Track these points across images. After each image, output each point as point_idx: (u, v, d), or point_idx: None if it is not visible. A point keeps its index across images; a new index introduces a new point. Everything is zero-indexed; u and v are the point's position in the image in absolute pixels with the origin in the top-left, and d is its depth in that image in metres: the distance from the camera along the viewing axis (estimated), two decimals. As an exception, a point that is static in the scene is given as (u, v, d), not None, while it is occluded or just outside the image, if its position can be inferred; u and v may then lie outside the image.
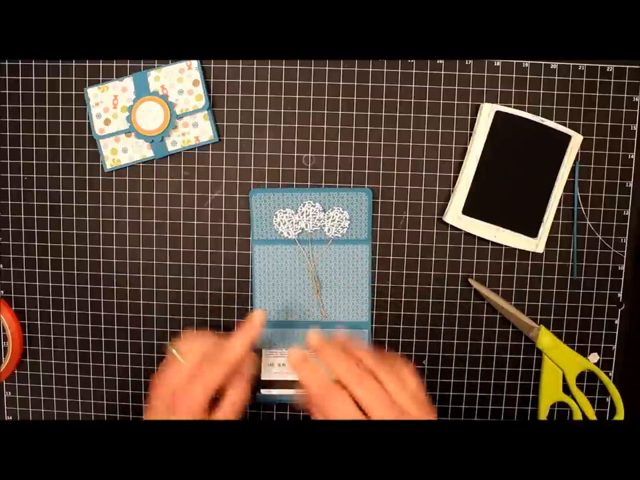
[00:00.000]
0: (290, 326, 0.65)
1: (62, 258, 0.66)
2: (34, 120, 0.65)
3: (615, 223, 0.65)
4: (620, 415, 0.65)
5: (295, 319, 0.65)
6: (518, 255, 0.65)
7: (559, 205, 0.64)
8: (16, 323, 0.67)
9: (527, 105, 0.63)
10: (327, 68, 0.63)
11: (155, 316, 0.66)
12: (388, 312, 0.66)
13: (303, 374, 0.49)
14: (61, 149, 0.65)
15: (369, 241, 0.64)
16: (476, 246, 0.65)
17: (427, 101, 0.63)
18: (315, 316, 0.65)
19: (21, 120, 0.65)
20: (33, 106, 0.65)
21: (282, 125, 0.64)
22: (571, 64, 0.63)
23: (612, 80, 0.63)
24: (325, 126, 0.64)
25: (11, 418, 0.69)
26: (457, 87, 0.63)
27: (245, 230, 0.65)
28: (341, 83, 0.64)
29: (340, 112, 0.64)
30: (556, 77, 0.63)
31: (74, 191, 0.66)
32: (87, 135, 0.65)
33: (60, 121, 0.65)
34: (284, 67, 0.63)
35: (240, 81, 0.64)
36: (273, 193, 0.63)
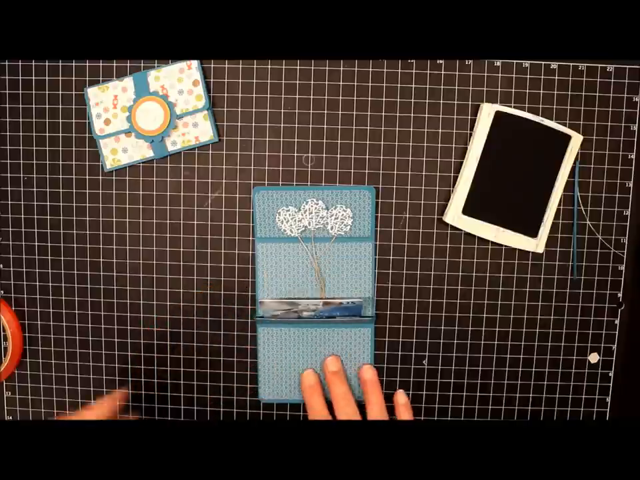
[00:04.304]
0: (293, 324, 0.65)
1: (62, 258, 0.66)
2: (34, 120, 0.65)
3: (614, 223, 0.65)
4: None
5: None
6: (518, 255, 0.65)
7: (559, 204, 0.64)
8: (16, 323, 0.67)
9: (526, 105, 0.63)
10: (326, 68, 0.63)
11: (155, 316, 0.67)
12: (388, 312, 0.66)
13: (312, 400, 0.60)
14: (61, 149, 0.65)
15: (372, 238, 0.64)
16: (476, 246, 0.65)
17: (427, 100, 0.63)
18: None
19: (20, 120, 0.65)
20: (33, 106, 0.65)
21: (282, 125, 0.64)
22: (571, 64, 0.63)
23: (612, 80, 0.63)
24: (325, 126, 0.64)
25: (11, 418, 0.69)
26: (456, 87, 0.63)
27: (245, 230, 0.65)
28: (341, 83, 0.64)
29: (340, 112, 0.64)
30: (556, 77, 0.63)
31: (74, 191, 0.66)
32: (87, 135, 0.65)
33: (60, 121, 0.65)
34: (284, 67, 0.63)
35: (240, 81, 0.64)
36: (276, 190, 0.63)
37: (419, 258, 0.65)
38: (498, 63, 0.63)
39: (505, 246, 0.65)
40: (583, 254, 0.65)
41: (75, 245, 0.66)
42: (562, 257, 0.65)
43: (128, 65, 0.64)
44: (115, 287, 0.66)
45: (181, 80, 0.62)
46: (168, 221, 0.66)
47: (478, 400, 0.67)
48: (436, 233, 0.65)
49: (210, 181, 0.65)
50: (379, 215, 0.65)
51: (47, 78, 0.64)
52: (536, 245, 0.64)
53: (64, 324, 0.67)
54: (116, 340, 0.67)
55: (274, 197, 0.63)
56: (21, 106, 0.65)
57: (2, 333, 0.67)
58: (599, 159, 0.64)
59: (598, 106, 0.64)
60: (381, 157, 0.64)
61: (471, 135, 0.64)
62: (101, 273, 0.66)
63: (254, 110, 0.64)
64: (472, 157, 0.63)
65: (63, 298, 0.67)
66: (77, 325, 0.67)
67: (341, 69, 0.63)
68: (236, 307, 0.66)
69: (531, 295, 0.66)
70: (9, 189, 0.66)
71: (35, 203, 0.66)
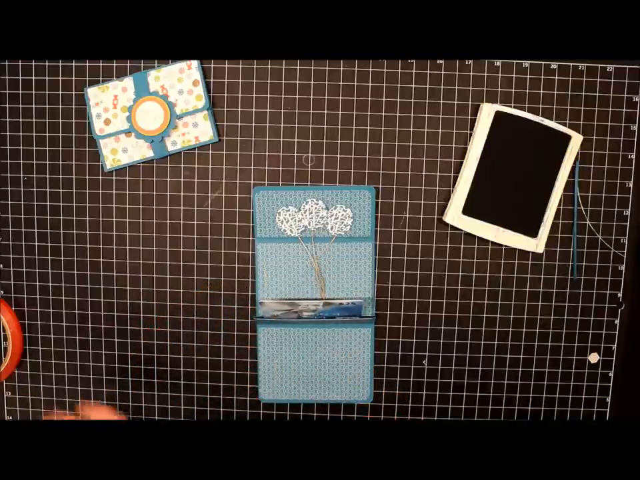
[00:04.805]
0: (293, 324, 0.65)
1: (62, 258, 0.66)
2: (34, 120, 0.65)
3: (614, 223, 0.65)
4: None
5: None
6: (518, 255, 0.65)
7: (559, 204, 0.64)
8: (16, 323, 0.67)
9: (526, 105, 0.63)
10: (326, 68, 0.63)
11: (155, 316, 0.66)
12: (388, 312, 0.66)
13: None
14: (61, 149, 0.65)
15: (372, 238, 0.64)
16: (476, 246, 0.65)
17: (427, 100, 0.63)
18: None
19: (20, 120, 0.65)
20: (33, 106, 0.65)
21: (282, 125, 0.64)
22: (571, 64, 0.63)
23: (612, 80, 0.63)
24: (325, 126, 0.64)
25: (11, 418, 0.69)
26: (456, 87, 0.63)
27: (245, 230, 0.65)
28: (341, 83, 0.64)
29: (340, 112, 0.64)
30: (556, 77, 0.63)
31: (74, 191, 0.66)
32: (87, 135, 0.65)
33: (60, 121, 0.65)
34: (284, 67, 0.63)
35: (240, 81, 0.64)
36: (276, 190, 0.63)
37: (419, 258, 0.65)
38: (498, 62, 0.63)
39: (505, 246, 0.65)
40: (583, 254, 0.65)
41: (75, 245, 0.66)
42: (562, 257, 0.65)
43: (128, 65, 0.64)
44: (114, 287, 0.66)
45: (181, 80, 0.62)
46: (168, 221, 0.66)
47: (478, 400, 0.67)
48: (436, 233, 0.65)
49: (210, 180, 0.65)
50: (379, 214, 0.65)
51: (46, 78, 0.64)
52: (536, 245, 0.64)
53: (64, 324, 0.67)
54: (116, 340, 0.67)
55: (274, 197, 0.63)
56: (21, 106, 0.65)
57: (2, 333, 0.67)
58: (599, 159, 0.64)
59: (598, 106, 0.64)
60: (381, 157, 0.64)
61: (471, 134, 0.64)
62: (101, 273, 0.66)
63: (254, 110, 0.64)
64: (472, 156, 0.63)
65: (63, 298, 0.67)
66: (76, 325, 0.67)
67: (341, 69, 0.63)
68: (236, 307, 0.66)
69: (530, 294, 0.66)
70: (9, 189, 0.66)
71: (35, 203, 0.66)
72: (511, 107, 0.63)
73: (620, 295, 0.66)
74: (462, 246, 0.65)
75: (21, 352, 0.67)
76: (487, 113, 0.62)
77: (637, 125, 0.64)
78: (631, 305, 0.66)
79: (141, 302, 0.66)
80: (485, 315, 0.66)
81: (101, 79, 0.64)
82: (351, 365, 0.66)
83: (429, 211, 0.65)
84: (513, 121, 0.62)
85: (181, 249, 0.66)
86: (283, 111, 0.64)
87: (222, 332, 0.66)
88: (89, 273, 0.66)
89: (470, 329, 0.66)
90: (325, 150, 0.64)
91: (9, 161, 0.66)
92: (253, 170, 0.65)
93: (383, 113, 0.64)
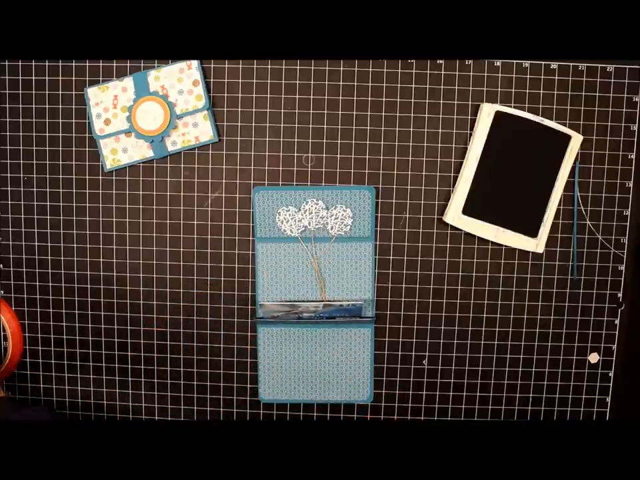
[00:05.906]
0: (293, 324, 0.65)
1: (62, 258, 0.66)
2: (34, 120, 0.65)
3: (614, 223, 0.65)
4: None
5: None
6: (518, 255, 0.65)
7: (559, 204, 0.64)
8: (16, 323, 0.67)
9: (526, 105, 0.63)
10: (326, 68, 0.63)
11: (154, 316, 0.66)
12: (388, 312, 0.66)
13: None
14: (61, 149, 0.65)
15: (372, 238, 0.64)
16: (476, 246, 0.65)
17: (427, 100, 0.63)
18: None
19: (20, 120, 0.65)
20: (33, 106, 0.65)
21: (282, 125, 0.64)
22: (571, 64, 0.63)
23: (612, 80, 0.63)
24: (325, 126, 0.64)
25: (11, 418, 0.69)
26: (456, 87, 0.63)
27: (245, 230, 0.65)
28: (341, 83, 0.64)
29: (340, 112, 0.64)
30: (556, 77, 0.63)
31: (74, 191, 0.66)
32: (87, 135, 0.65)
33: (60, 121, 0.65)
34: (284, 67, 0.63)
35: (240, 81, 0.64)
36: (276, 190, 0.63)
37: (419, 258, 0.65)
38: (498, 63, 0.63)
39: (505, 246, 0.65)
40: (583, 254, 0.65)
41: (75, 245, 0.66)
42: (562, 257, 0.65)
43: (128, 65, 0.64)
44: (115, 287, 0.66)
45: (181, 80, 0.62)
46: (168, 221, 0.66)
47: (478, 400, 0.67)
48: (436, 233, 0.65)
49: (210, 180, 0.65)
50: (379, 214, 0.65)
51: (46, 78, 0.64)
52: (536, 245, 0.64)
53: (64, 324, 0.67)
54: (116, 340, 0.67)
55: (274, 197, 0.63)
56: (21, 106, 0.65)
57: (2, 333, 0.67)
58: (599, 159, 0.64)
59: (598, 106, 0.64)
60: (381, 157, 0.64)
61: (471, 134, 0.64)
62: (101, 273, 0.66)
63: (254, 110, 0.64)
64: (472, 157, 0.63)
65: (63, 298, 0.67)
66: (77, 325, 0.67)
67: (341, 69, 0.63)
68: (236, 307, 0.66)
69: (530, 294, 0.66)
70: (9, 189, 0.66)
71: (35, 203, 0.66)
72: (511, 107, 0.63)
73: (620, 294, 0.66)
74: (462, 246, 0.65)
75: (20, 352, 0.67)
76: (487, 112, 0.62)
77: (637, 124, 0.64)
78: (631, 305, 0.66)
79: (141, 302, 0.66)
80: (484, 315, 0.66)
81: (100, 79, 0.64)
82: (351, 364, 0.66)
83: (429, 211, 0.65)
84: (513, 121, 0.62)
85: (181, 249, 0.66)
86: (282, 110, 0.64)
87: (222, 332, 0.66)
88: (89, 273, 0.66)
89: (470, 329, 0.66)
90: (325, 150, 0.64)
91: (9, 161, 0.66)
92: (253, 170, 0.65)
93: (383, 113, 0.64)
